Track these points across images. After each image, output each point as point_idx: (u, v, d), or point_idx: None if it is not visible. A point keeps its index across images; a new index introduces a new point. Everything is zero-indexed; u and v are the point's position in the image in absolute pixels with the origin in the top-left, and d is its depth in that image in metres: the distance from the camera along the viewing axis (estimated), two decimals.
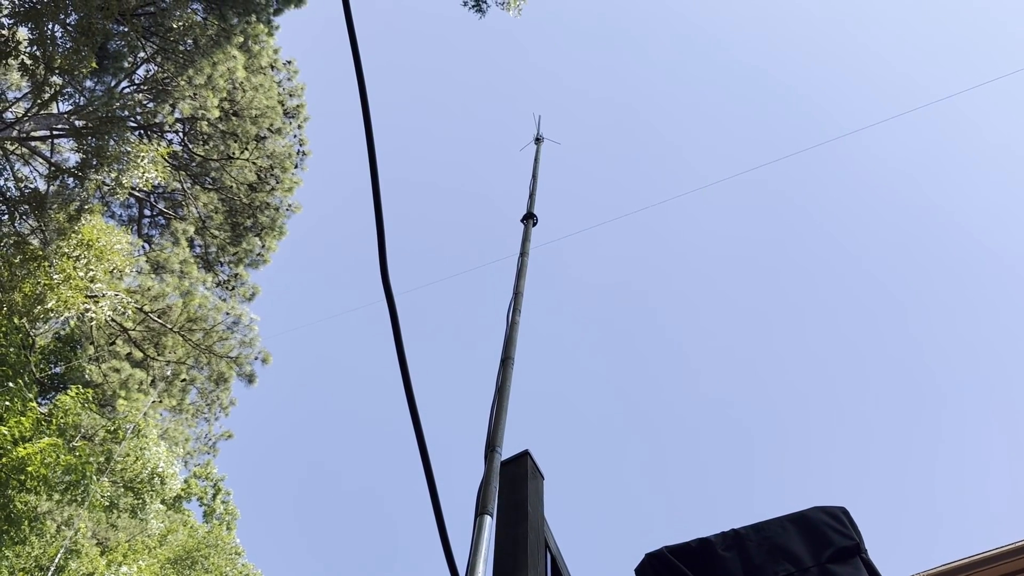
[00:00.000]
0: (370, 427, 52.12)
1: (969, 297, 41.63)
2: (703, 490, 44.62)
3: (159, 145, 16.82)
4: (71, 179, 15.11)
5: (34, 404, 14.91)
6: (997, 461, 37.58)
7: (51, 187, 15.04)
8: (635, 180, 47.02)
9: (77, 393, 16.00)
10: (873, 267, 44.49)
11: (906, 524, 36.62)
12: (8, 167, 16.20)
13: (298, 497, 47.53)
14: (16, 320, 14.94)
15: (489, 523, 2.33)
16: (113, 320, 16.69)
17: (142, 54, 16.51)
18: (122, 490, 17.66)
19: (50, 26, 12.96)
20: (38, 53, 12.82)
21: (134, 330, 17.69)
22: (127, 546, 18.66)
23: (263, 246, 20.80)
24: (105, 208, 17.94)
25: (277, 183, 20.38)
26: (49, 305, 13.51)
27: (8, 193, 15.48)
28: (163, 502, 20.59)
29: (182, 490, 24.68)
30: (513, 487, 2.70)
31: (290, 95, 21.19)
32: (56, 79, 13.83)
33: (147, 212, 20.33)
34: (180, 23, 15.25)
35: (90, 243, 14.17)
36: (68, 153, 18.41)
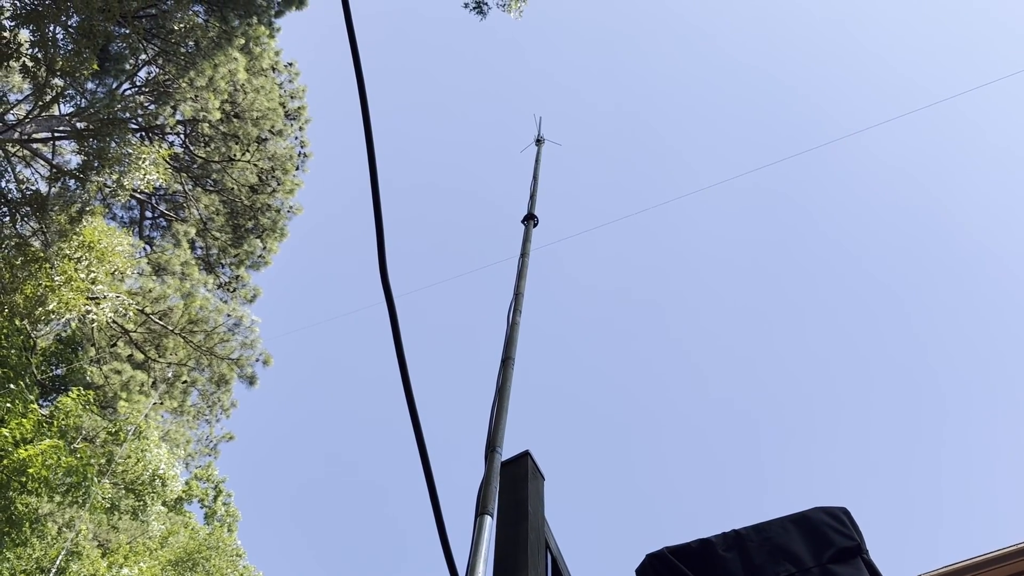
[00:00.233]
0: (371, 428, 52.12)
1: (972, 297, 41.62)
2: (704, 490, 44.61)
3: (160, 147, 16.83)
4: (72, 181, 15.13)
5: (35, 406, 14.92)
6: (1002, 461, 37.53)
7: (52, 189, 15.06)
8: (636, 181, 47.05)
9: (78, 395, 16.01)
10: (876, 268, 44.51)
11: (909, 525, 36.59)
12: (10, 169, 16.22)
13: (299, 499, 47.52)
14: (17, 322, 14.96)
15: (489, 523, 2.33)
16: (114, 322, 16.70)
17: (143, 56, 16.54)
18: (123, 492, 17.67)
19: (52, 28, 12.98)
20: (40, 55, 12.84)
21: (135, 332, 17.70)
22: (128, 548, 18.64)
23: (264, 248, 20.81)
24: (106, 210, 17.96)
25: (278, 185, 20.39)
26: (50, 307, 13.52)
27: (10, 195, 15.50)
28: (164, 504, 20.59)
29: (183, 492, 24.68)
30: (514, 487, 2.69)
31: (291, 97, 21.20)
32: (57, 81, 13.85)
33: (148, 214, 20.35)
34: (181, 25, 15.27)
35: (91, 245, 14.18)
36: (69, 155, 18.44)
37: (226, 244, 20.21)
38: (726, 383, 47.29)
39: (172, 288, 17.96)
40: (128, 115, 16.17)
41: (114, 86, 16.65)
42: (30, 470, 13.23)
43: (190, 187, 19.59)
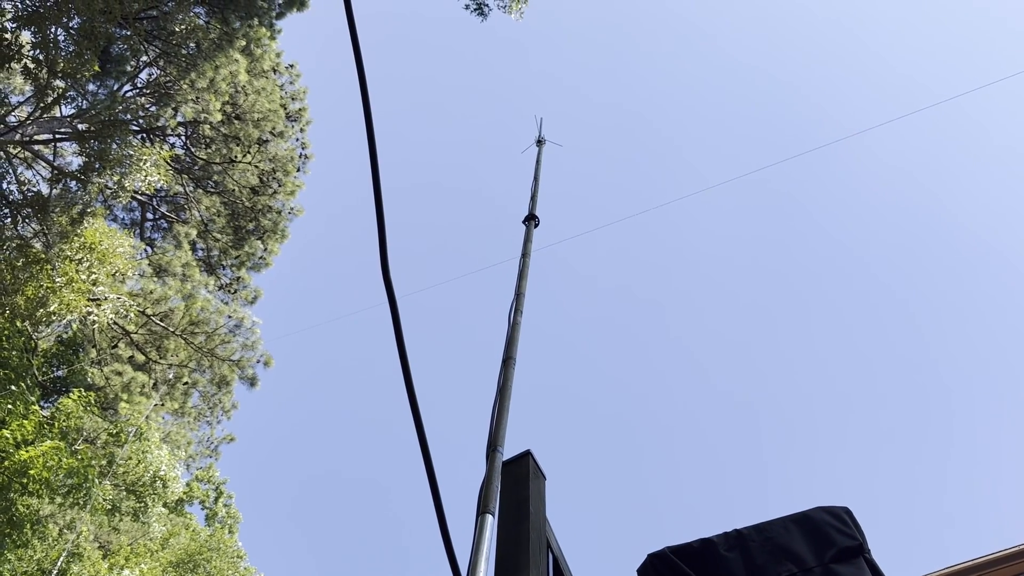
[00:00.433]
0: (372, 429, 52.12)
1: (976, 297, 41.59)
2: (706, 490, 44.58)
3: (161, 148, 16.84)
4: (74, 182, 15.14)
5: (36, 407, 14.92)
6: (1006, 460, 37.50)
7: (54, 190, 15.07)
8: (637, 182, 47.05)
9: (79, 396, 16.01)
10: (879, 268, 44.49)
11: (912, 525, 36.55)
12: (11, 170, 16.23)
13: (300, 500, 47.51)
14: (19, 323, 14.96)
15: (491, 523, 2.32)
16: (115, 323, 16.70)
17: (144, 58, 16.55)
18: (124, 493, 17.67)
19: (53, 30, 12.99)
20: (41, 57, 12.86)
21: (136, 333, 17.71)
22: (129, 549, 18.64)
23: (265, 249, 20.81)
24: (108, 211, 17.97)
25: (279, 186, 20.40)
26: (51, 308, 13.52)
27: (11, 196, 15.51)
28: (165, 505, 20.59)
29: (184, 493, 24.69)
30: (515, 487, 2.69)
31: (292, 99, 21.21)
32: (59, 83, 13.86)
33: (149, 215, 20.36)
34: (182, 27, 15.28)
35: (92, 246, 14.18)
36: (71, 157, 18.45)
37: (227, 246, 20.21)
38: (728, 383, 47.29)
39: (173, 290, 17.96)
40: (129, 117, 16.19)
41: (115, 88, 16.66)
42: (31, 471, 13.23)
43: (191, 189, 19.60)
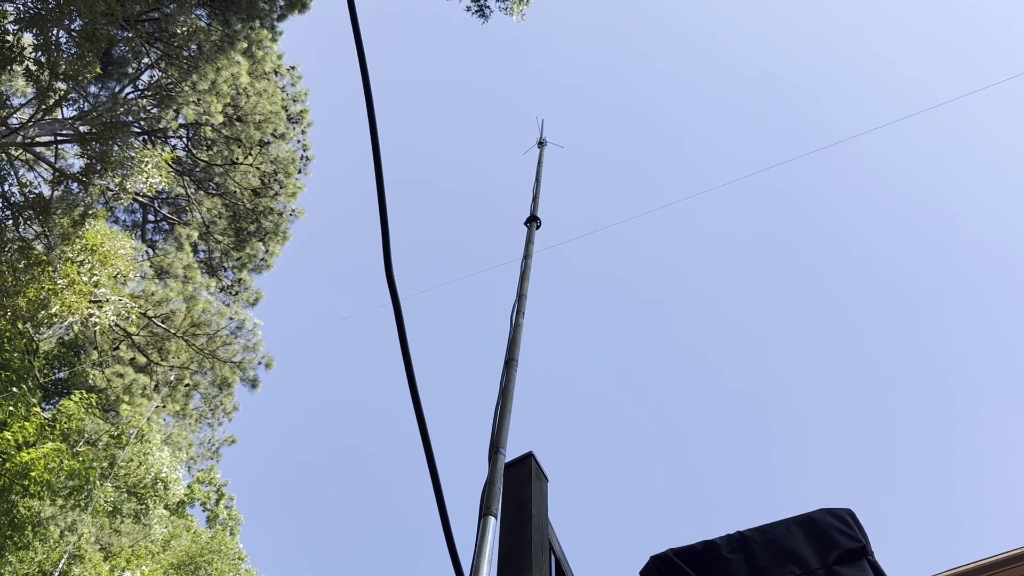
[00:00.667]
0: (373, 430, 52.11)
1: (981, 298, 41.55)
2: (709, 492, 44.55)
3: (163, 150, 16.86)
4: (75, 184, 15.15)
5: (38, 409, 14.92)
6: (1013, 461, 37.44)
7: (55, 192, 15.08)
8: (639, 183, 47.06)
9: (81, 398, 16.01)
10: (883, 269, 44.46)
11: (917, 527, 36.50)
12: (13, 172, 16.24)
13: (302, 501, 47.50)
14: (20, 325, 14.97)
15: (493, 524, 2.32)
16: (117, 325, 16.71)
17: (146, 60, 16.57)
18: (125, 495, 17.66)
19: (55, 32, 13.01)
20: (43, 59, 12.87)
21: (138, 335, 17.71)
22: (130, 551, 18.65)
23: (267, 251, 20.82)
24: (109, 213, 17.97)
25: (281, 188, 20.41)
26: (53, 310, 13.53)
27: (12, 198, 15.52)
28: (166, 507, 20.59)
29: (185, 495, 24.69)
30: (517, 489, 2.69)
31: (294, 100, 21.23)
32: (60, 85, 13.87)
33: (151, 217, 20.38)
34: (184, 28, 15.30)
35: (94, 248, 14.19)
36: (72, 158, 18.46)
37: (228, 247, 20.22)
38: (730, 385, 47.27)
39: (174, 291, 17.97)
40: (131, 118, 16.20)
41: (117, 90, 16.68)
42: (32, 473, 13.23)
43: (192, 190, 19.62)
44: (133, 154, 14.43)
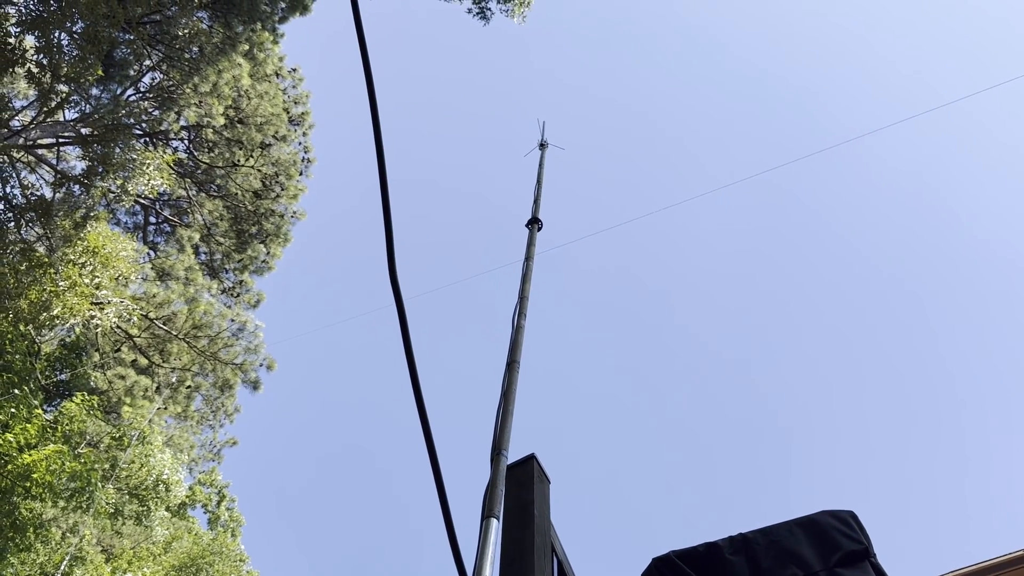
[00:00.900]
0: (375, 432, 52.09)
1: (986, 299, 41.51)
2: (711, 494, 44.51)
3: (164, 152, 16.87)
4: (77, 186, 15.17)
5: (40, 411, 14.93)
6: (1019, 461, 37.39)
7: (57, 194, 15.10)
8: (641, 184, 47.06)
9: (82, 400, 16.02)
10: (887, 270, 44.42)
11: (918, 528, 36.45)
12: (14, 175, 16.26)
13: (303, 503, 47.50)
14: (22, 327, 14.98)
15: (496, 526, 2.32)
16: (118, 327, 16.72)
17: (148, 62, 16.59)
18: (127, 497, 17.67)
19: (57, 34, 13.03)
20: (45, 61, 12.89)
21: (139, 337, 17.72)
22: (132, 553, 18.65)
23: (268, 253, 20.84)
24: (111, 215, 17.98)
25: (282, 190, 20.43)
26: (55, 312, 13.54)
27: (14, 200, 15.54)
28: (168, 509, 20.58)
29: (187, 497, 24.67)
30: (520, 491, 2.69)
31: (295, 102, 21.25)
32: (62, 87, 13.89)
33: (152, 219, 20.40)
34: (185, 31, 15.32)
35: (96, 250, 14.20)
36: (74, 161, 18.49)
37: (230, 249, 20.24)
38: (733, 386, 47.25)
39: (176, 293, 17.98)
40: (132, 121, 16.21)
41: (118, 92, 16.70)
42: (34, 475, 13.23)
43: (194, 192, 19.63)
44: (135, 156, 14.44)
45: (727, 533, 2.52)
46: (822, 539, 2.38)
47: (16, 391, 14.75)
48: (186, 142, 19.27)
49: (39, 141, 15.95)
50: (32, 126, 14.99)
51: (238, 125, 18.76)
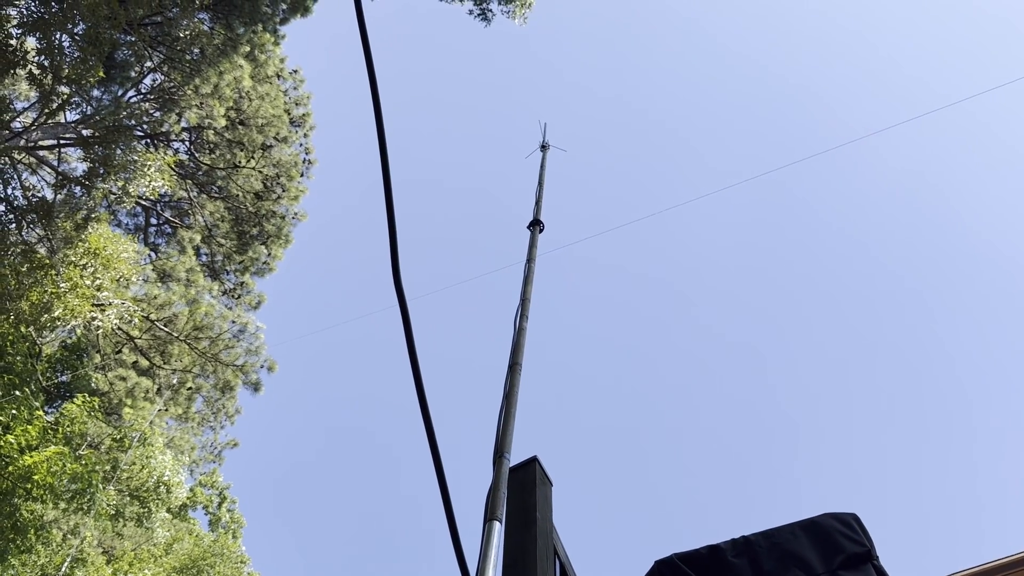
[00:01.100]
0: (376, 433, 52.08)
1: (989, 299, 41.48)
2: (713, 497, 44.48)
3: (166, 154, 16.87)
4: (78, 188, 15.18)
5: (40, 412, 14.94)
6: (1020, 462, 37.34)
7: (58, 196, 15.10)
8: (643, 185, 47.06)
9: (83, 401, 16.02)
10: (890, 271, 44.40)
11: (924, 530, 36.42)
12: (16, 176, 16.26)
13: (304, 505, 47.50)
14: (23, 329, 14.98)
15: (498, 529, 2.32)
16: (119, 328, 16.72)
17: (149, 63, 16.60)
18: (128, 499, 17.67)
19: (58, 36, 13.03)
20: (46, 63, 12.89)
21: (140, 338, 17.73)
22: (133, 555, 18.65)
23: (269, 254, 20.85)
24: (112, 217, 17.99)
25: (283, 192, 20.43)
26: (56, 314, 13.54)
27: (15, 202, 15.53)
28: (169, 511, 20.58)
29: (188, 499, 24.68)
30: (522, 493, 2.69)
31: (296, 104, 21.26)
32: (63, 89, 13.89)
33: (153, 221, 20.40)
34: (187, 32, 15.32)
35: (97, 252, 14.21)
36: (75, 162, 18.50)
37: (231, 251, 20.24)
38: (736, 387, 47.22)
39: (177, 294, 17.98)
40: (133, 122, 16.23)
41: (120, 93, 16.71)
42: (35, 477, 13.24)
43: (195, 194, 19.64)
44: (136, 158, 14.45)
45: (729, 535, 2.52)
46: (824, 541, 2.38)
47: (17, 393, 14.76)
48: (187, 143, 19.28)
49: (40, 143, 15.96)
50: (33, 128, 15.01)
51: (239, 126, 18.77)
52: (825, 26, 44.95)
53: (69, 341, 19.32)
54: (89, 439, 16.22)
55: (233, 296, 20.67)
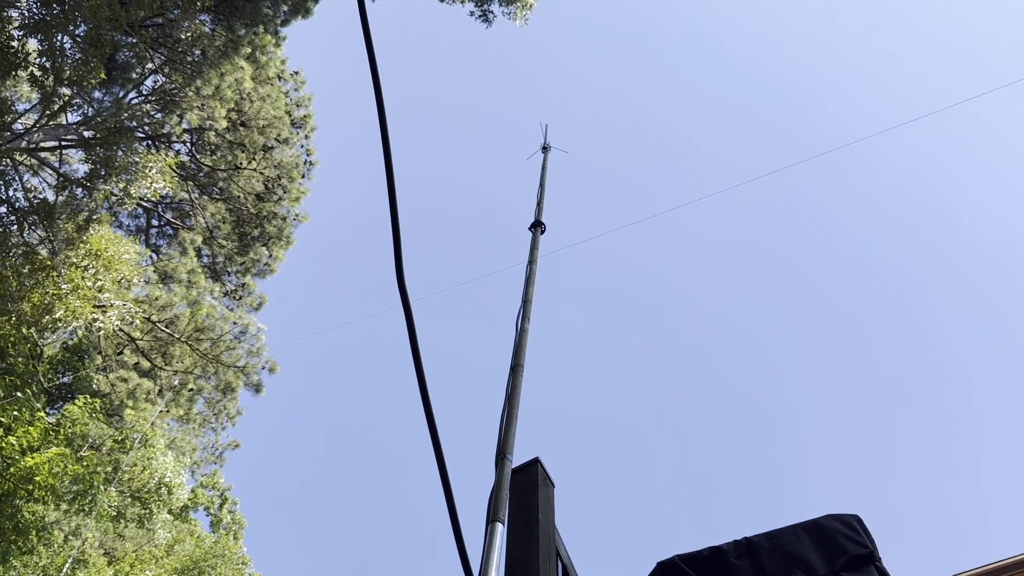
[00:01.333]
0: (378, 434, 52.08)
1: (993, 300, 41.45)
2: (716, 498, 44.45)
3: (167, 155, 16.90)
4: (80, 189, 15.19)
5: (42, 414, 14.95)
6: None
7: (60, 197, 15.11)
8: (645, 186, 47.07)
9: (85, 403, 16.03)
10: (892, 271, 44.38)
11: (923, 531, 36.39)
12: (17, 178, 16.28)
13: (305, 506, 47.49)
14: (24, 330, 15.00)
15: (500, 530, 2.32)
16: (121, 330, 16.73)
17: (150, 65, 16.61)
18: (129, 500, 17.68)
19: (59, 38, 13.05)
20: (47, 64, 12.90)
21: (142, 340, 17.74)
22: (134, 556, 18.65)
23: (270, 256, 20.86)
24: (113, 218, 18.00)
25: (284, 193, 20.45)
26: (57, 315, 13.55)
27: (17, 204, 15.55)
28: (170, 512, 20.60)
29: (189, 500, 24.69)
30: (524, 495, 2.69)
31: (297, 105, 21.28)
32: (65, 90, 13.91)
33: (155, 222, 20.42)
34: (188, 34, 15.34)
35: (98, 253, 14.22)
36: (77, 164, 18.52)
37: (232, 252, 20.26)
38: (738, 388, 47.19)
39: (178, 296, 18.00)
40: (135, 124, 16.24)
41: (121, 95, 16.72)
42: (37, 478, 13.25)
43: (196, 195, 19.65)
44: (137, 159, 14.47)
45: (732, 537, 2.52)
46: (827, 543, 2.38)
47: (19, 394, 14.76)
48: (188, 145, 19.30)
49: (42, 144, 15.98)
50: (35, 129, 15.02)
51: (240, 128, 18.78)
52: (828, 27, 44.95)
53: (70, 342, 19.33)
54: (90, 440, 16.23)
55: (234, 297, 20.68)
